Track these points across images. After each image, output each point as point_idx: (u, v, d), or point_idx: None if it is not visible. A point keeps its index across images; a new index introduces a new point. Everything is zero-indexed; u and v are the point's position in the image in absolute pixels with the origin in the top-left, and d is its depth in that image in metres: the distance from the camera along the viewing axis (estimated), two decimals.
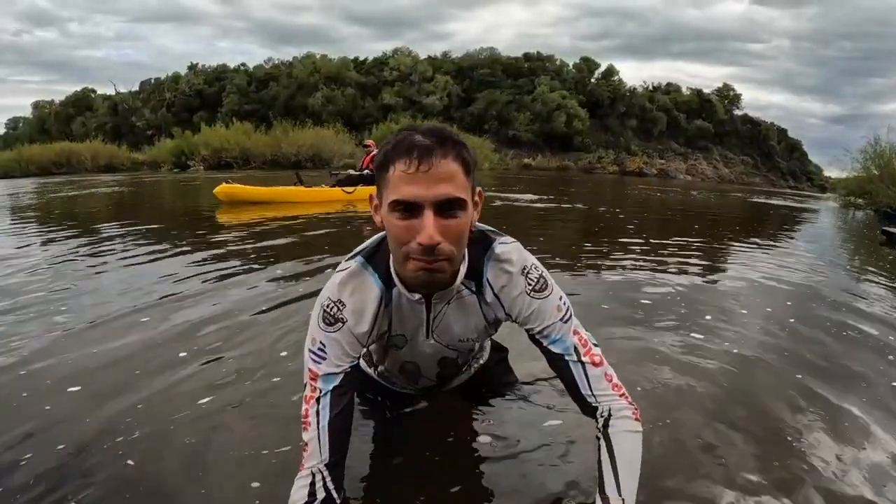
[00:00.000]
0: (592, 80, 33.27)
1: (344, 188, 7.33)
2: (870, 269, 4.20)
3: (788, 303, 2.85)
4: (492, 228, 1.03)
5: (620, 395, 0.99)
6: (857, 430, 1.46)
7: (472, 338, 1.10)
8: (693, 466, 1.25)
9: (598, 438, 0.96)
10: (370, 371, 1.33)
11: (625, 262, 3.77)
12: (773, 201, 14.30)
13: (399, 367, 1.24)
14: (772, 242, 5.59)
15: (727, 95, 37.54)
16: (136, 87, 32.73)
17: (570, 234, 5.69)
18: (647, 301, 2.73)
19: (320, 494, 0.90)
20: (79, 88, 33.87)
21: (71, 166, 19.07)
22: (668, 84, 36.70)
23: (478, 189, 0.91)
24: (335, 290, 0.97)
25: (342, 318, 0.95)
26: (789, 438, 1.39)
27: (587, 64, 33.63)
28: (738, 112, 37.75)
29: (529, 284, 0.98)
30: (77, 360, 1.80)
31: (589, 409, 0.99)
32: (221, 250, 3.91)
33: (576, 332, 0.99)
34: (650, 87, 35.77)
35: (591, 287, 3.02)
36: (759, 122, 38.59)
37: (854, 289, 3.31)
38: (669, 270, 3.56)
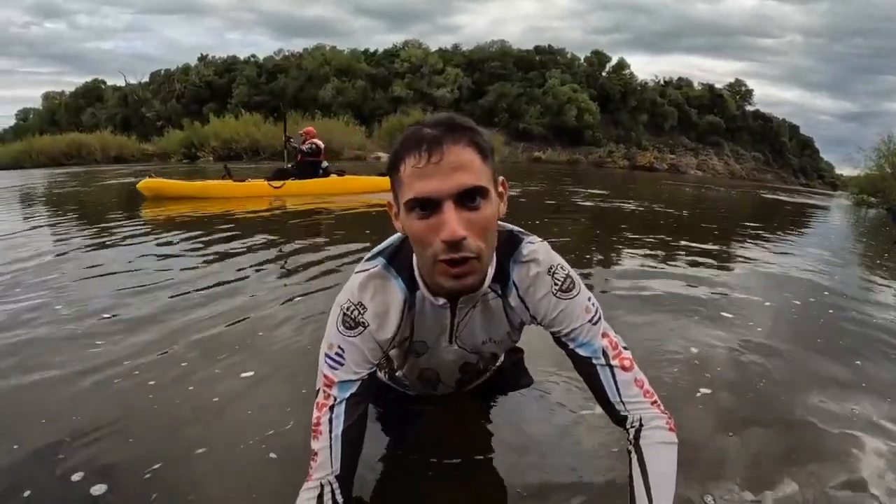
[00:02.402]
0: (603, 73, 32.94)
1: (271, 182, 6.78)
2: (886, 266, 4.19)
3: (802, 299, 2.84)
4: (519, 228, 0.98)
5: (652, 403, 0.93)
6: (866, 424, 1.44)
7: (497, 341, 1.05)
8: (702, 459, 1.22)
9: (630, 452, 0.89)
10: (380, 375, 1.27)
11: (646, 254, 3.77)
12: (788, 198, 14.20)
13: (418, 375, 1.19)
14: (787, 239, 5.58)
15: (739, 91, 37.10)
16: (146, 79, 32.77)
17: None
18: (655, 293, 2.72)
19: None
20: (89, 80, 33.96)
21: (81, 157, 19.15)
22: (680, 79, 36.28)
23: (500, 178, 0.84)
24: (356, 293, 0.92)
25: (364, 322, 0.90)
26: (799, 433, 1.39)
27: (598, 57, 33.29)
28: (749, 108, 37.35)
29: (556, 284, 0.93)
30: None
31: (618, 418, 0.94)
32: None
33: (605, 335, 0.94)
34: (661, 82, 35.41)
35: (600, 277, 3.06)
36: (771, 119, 38.13)
37: (869, 286, 3.30)
38: (679, 263, 3.59)
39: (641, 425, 0.90)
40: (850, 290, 3.08)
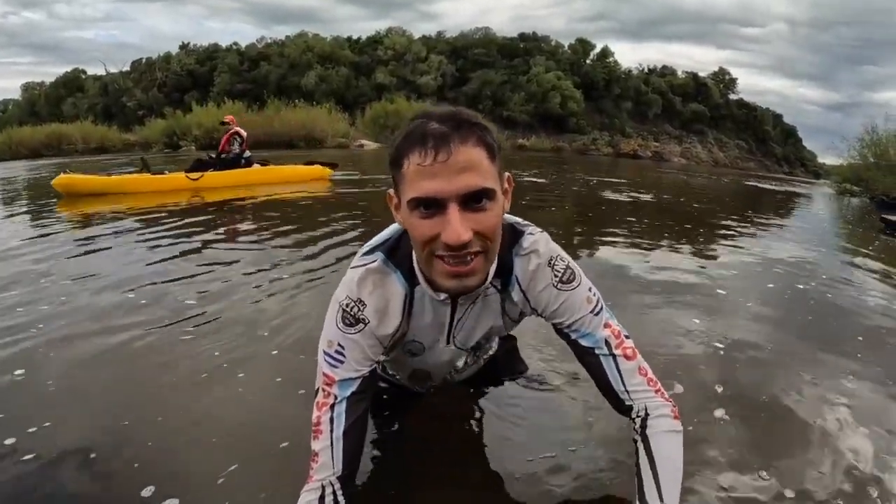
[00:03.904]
0: (588, 61, 33.05)
1: (188, 175, 6.43)
2: (868, 254, 4.25)
3: (788, 285, 2.88)
4: (518, 219, 0.96)
5: (656, 392, 0.92)
6: (847, 405, 1.48)
7: (495, 334, 1.05)
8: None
9: (636, 441, 0.90)
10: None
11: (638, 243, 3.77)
12: (771, 186, 14.28)
13: (409, 374, 1.19)
14: (773, 227, 5.62)
15: (723, 79, 37.39)
16: (127, 67, 32.27)
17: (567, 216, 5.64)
18: (638, 278, 2.75)
19: None
20: (69, 69, 33.38)
21: (61, 149, 18.80)
22: (664, 67, 36.53)
23: (506, 174, 0.82)
24: (354, 289, 0.89)
25: (363, 319, 0.87)
26: (781, 416, 1.41)
27: (583, 45, 33.36)
28: (733, 96, 37.67)
29: (556, 276, 0.90)
30: None
31: (623, 408, 0.93)
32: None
33: (607, 325, 0.92)
34: (646, 70, 35.60)
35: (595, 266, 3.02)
36: (755, 107, 38.50)
37: (853, 274, 3.35)
38: (663, 249, 3.63)
39: (647, 414, 0.89)
40: (836, 278, 3.10)
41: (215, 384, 1.55)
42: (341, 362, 0.87)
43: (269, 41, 32.16)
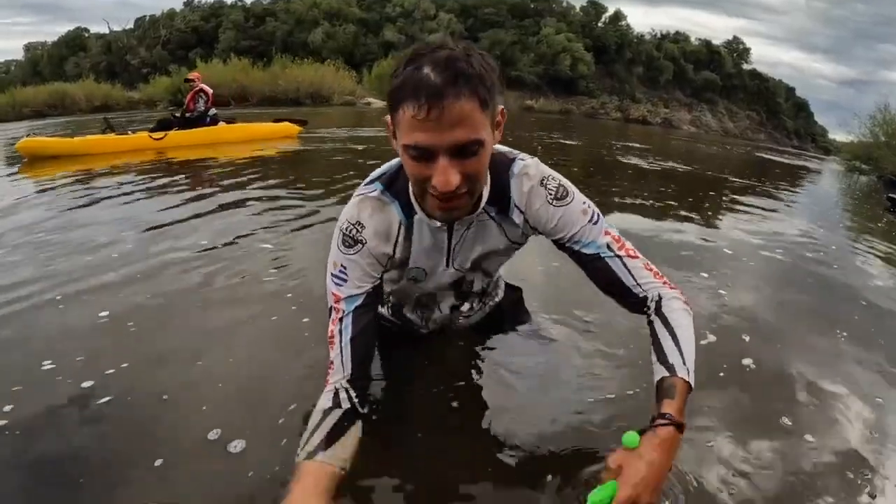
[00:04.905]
0: (599, 24, 32.31)
1: (151, 134, 6.30)
2: (872, 230, 4.23)
3: (792, 258, 2.86)
4: (509, 149, 0.99)
5: (665, 283, 0.95)
6: (843, 380, 1.48)
7: (492, 254, 1.07)
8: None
9: (652, 323, 0.92)
10: (382, 310, 1.31)
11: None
12: (781, 159, 13.96)
13: (414, 302, 1.23)
14: (778, 201, 5.53)
15: (736, 49, 36.58)
16: (130, 25, 31.78)
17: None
18: (642, 246, 2.74)
19: (345, 405, 0.90)
20: (71, 28, 32.91)
21: (65, 107, 18.58)
22: (677, 33, 35.71)
23: (500, 108, 0.83)
24: (354, 213, 0.96)
25: (362, 240, 0.94)
26: (779, 392, 1.39)
27: (595, 7, 32.57)
28: (746, 66, 36.90)
29: (550, 194, 0.94)
30: None
31: (637, 301, 0.95)
32: None
33: (607, 233, 0.95)
34: (658, 35, 34.80)
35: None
36: (768, 79, 37.81)
37: (857, 251, 3.33)
38: (669, 218, 3.59)
39: (661, 298, 0.93)
40: (839, 255, 3.08)
41: (282, 332, 1.60)
42: (345, 281, 0.94)
43: None
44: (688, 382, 0.83)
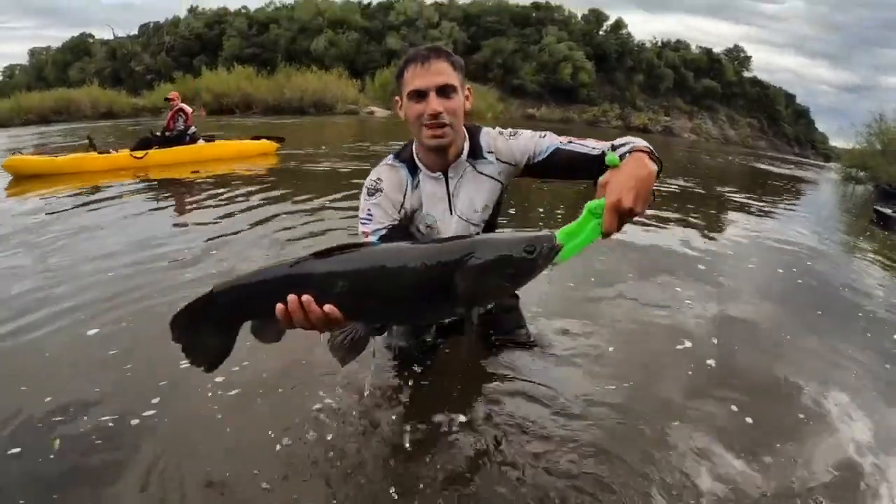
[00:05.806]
0: (600, 32, 32.46)
1: (133, 153, 6.44)
2: (863, 244, 4.35)
3: (786, 268, 2.99)
4: (478, 124, 1.39)
5: (611, 143, 1.16)
6: (840, 389, 1.56)
7: (488, 205, 1.36)
8: (681, 416, 1.32)
9: (612, 147, 1.12)
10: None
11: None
12: (780, 170, 13.98)
13: None
14: (773, 211, 5.70)
15: (737, 56, 36.72)
16: (134, 32, 31.99)
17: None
18: (644, 252, 2.83)
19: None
20: (76, 34, 33.06)
21: (70, 114, 18.65)
22: (678, 41, 35.84)
23: (467, 86, 1.26)
24: (374, 174, 1.33)
25: (380, 189, 1.31)
26: (774, 393, 1.48)
27: (596, 16, 32.73)
28: (747, 74, 37.02)
29: (503, 135, 1.34)
30: None
31: (599, 160, 1.14)
32: None
33: (556, 138, 1.28)
34: (659, 43, 34.94)
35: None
36: (768, 86, 37.93)
37: (849, 261, 3.49)
38: (670, 225, 3.74)
39: (613, 145, 1.13)
40: (832, 264, 3.24)
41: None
42: (370, 220, 1.28)
43: (278, 4, 31.67)
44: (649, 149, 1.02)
